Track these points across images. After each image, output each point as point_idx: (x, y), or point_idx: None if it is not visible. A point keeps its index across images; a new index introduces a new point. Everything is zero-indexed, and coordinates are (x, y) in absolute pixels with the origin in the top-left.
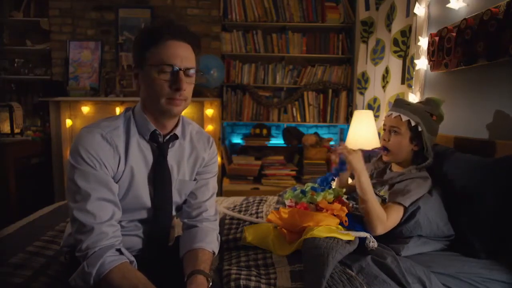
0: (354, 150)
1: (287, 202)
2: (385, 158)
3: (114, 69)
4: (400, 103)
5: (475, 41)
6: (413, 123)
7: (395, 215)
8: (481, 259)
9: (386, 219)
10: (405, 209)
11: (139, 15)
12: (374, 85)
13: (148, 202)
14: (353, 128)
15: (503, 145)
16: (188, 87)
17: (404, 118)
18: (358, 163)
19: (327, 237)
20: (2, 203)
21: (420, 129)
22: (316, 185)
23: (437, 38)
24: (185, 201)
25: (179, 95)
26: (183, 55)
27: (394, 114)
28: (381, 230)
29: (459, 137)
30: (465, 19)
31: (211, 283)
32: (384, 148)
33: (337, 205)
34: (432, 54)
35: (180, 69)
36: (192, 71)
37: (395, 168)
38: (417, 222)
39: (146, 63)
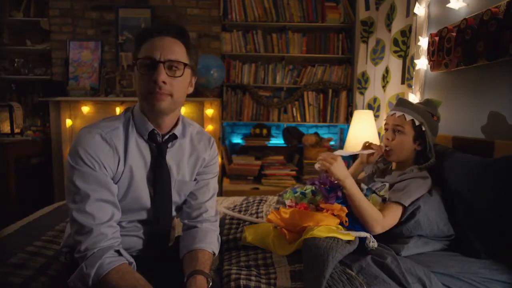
0: (333, 158)
1: (288, 202)
2: (388, 158)
3: (114, 69)
4: (403, 103)
5: (475, 41)
6: (417, 123)
7: (394, 214)
8: (481, 259)
9: (383, 218)
10: (405, 208)
11: (139, 15)
12: (374, 85)
13: (148, 202)
14: (353, 128)
15: (502, 145)
16: (172, 81)
17: (408, 117)
18: (340, 171)
19: (327, 237)
20: (2, 203)
21: (423, 128)
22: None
23: (437, 38)
24: (185, 202)
25: (158, 88)
26: (164, 47)
27: (398, 113)
28: (379, 229)
29: (457, 137)
30: (465, 19)
31: (211, 283)
32: (387, 148)
33: (337, 205)
34: (432, 54)
35: (159, 61)
36: (177, 64)
37: (396, 168)
38: (417, 222)
39: (135, 62)
